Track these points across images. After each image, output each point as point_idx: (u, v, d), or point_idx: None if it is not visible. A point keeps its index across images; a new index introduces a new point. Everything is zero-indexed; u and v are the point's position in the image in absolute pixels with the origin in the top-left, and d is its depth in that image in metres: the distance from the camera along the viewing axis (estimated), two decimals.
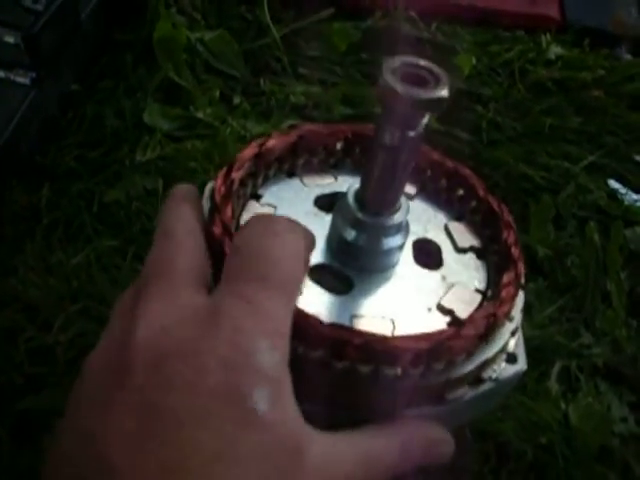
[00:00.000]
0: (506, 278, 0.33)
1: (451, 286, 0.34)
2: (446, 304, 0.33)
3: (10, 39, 0.56)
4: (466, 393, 0.31)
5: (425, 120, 0.29)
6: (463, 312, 0.32)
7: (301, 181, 0.37)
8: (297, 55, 0.68)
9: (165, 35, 0.62)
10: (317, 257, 0.33)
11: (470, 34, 0.73)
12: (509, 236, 0.34)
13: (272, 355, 0.26)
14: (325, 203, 0.36)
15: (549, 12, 0.76)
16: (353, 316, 0.31)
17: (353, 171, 0.38)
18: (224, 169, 0.34)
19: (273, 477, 0.24)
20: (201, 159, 0.57)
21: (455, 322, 0.32)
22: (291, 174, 0.37)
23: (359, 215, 0.32)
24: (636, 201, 0.62)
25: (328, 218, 0.34)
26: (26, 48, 0.54)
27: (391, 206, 0.32)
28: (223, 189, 0.33)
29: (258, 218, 0.30)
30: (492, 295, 0.33)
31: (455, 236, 0.36)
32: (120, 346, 0.26)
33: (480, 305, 0.33)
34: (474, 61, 0.68)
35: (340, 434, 0.28)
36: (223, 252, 0.30)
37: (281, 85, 0.65)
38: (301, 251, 0.29)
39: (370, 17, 0.71)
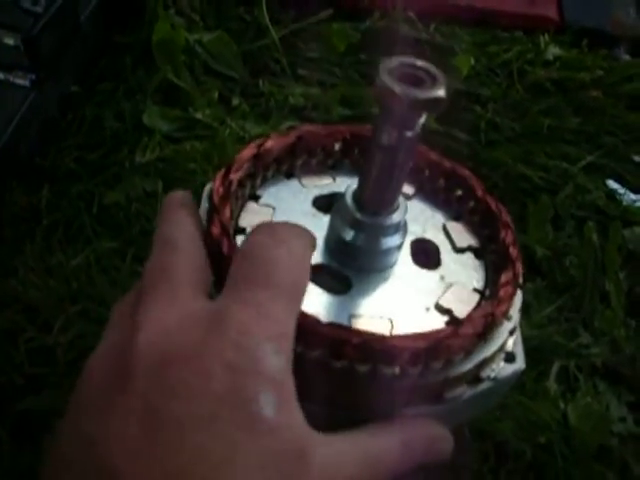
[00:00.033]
0: (504, 277, 0.33)
1: (449, 286, 0.34)
2: (444, 304, 0.33)
3: (10, 41, 0.56)
4: (464, 392, 0.31)
5: (422, 120, 0.29)
6: (461, 312, 0.32)
7: (299, 182, 0.37)
8: (296, 56, 0.68)
9: (164, 37, 0.63)
10: (316, 257, 0.33)
11: (468, 35, 0.73)
12: (507, 236, 0.34)
13: (277, 359, 0.25)
14: (323, 204, 0.36)
15: (547, 13, 0.76)
16: (351, 316, 0.31)
17: (351, 172, 0.38)
18: (222, 170, 0.34)
19: None
20: (200, 160, 0.57)
21: (453, 321, 0.32)
22: (289, 175, 0.37)
23: (357, 215, 0.32)
24: (634, 201, 0.62)
25: (326, 219, 0.34)
26: (26, 50, 0.54)
27: (389, 206, 0.32)
28: (221, 190, 0.33)
29: (264, 226, 0.30)
30: (490, 294, 0.33)
31: (453, 236, 0.36)
32: (121, 351, 0.26)
33: (478, 304, 0.33)
34: (472, 62, 0.69)
35: (341, 435, 0.28)
36: (222, 253, 0.30)
37: (280, 86, 0.65)
38: (306, 257, 0.29)
39: (369, 18, 0.71)
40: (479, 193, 0.37)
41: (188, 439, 0.24)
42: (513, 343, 0.34)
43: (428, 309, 0.33)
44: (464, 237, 0.36)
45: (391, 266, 0.34)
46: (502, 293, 0.32)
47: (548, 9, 0.77)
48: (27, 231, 0.53)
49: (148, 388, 0.25)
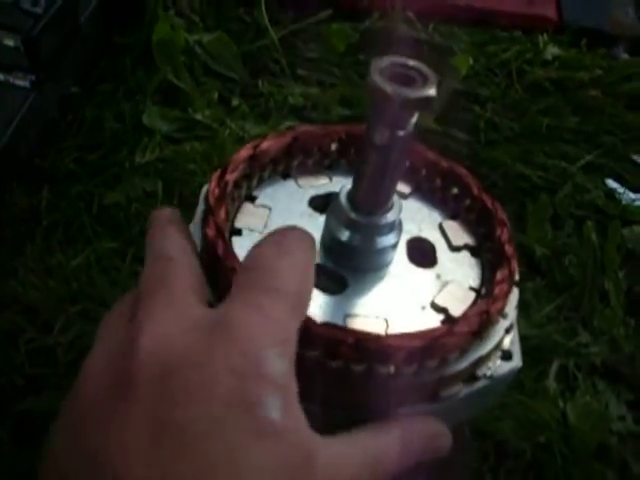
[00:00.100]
0: (499, 275, 0.33)
1: (445, 284, 0.34)
2: (440, 302, 0.33)
3: (9, 42, 0.56)
4: (461, 390, 0.31)
5: (414, 119, 0.29)
6: (457, 310, 0.32)
7: (296, 182, 0.37)
8: (295, 56, 0.69)
9: (164, 38, 0.63)
10: None
11: (467, 35, 0.73)
12: (503, 233, 0.34)
13: (281, 363, 0.25)
14: (319, 204, 0.36)
15: (546, 12, 0.76)
16: (347, 315, 0.31)
17: (348, 172, 0.37)
18: (218, 171, 0.34)
19: None
20: (200, 161, 0.57)
21: (449, 320, 0.32)
22: (286, 175, 0.37)
23: (352, 215, 0.32)
24: (634, 200, 0.62)
25: (322, 219, 0.34)
26: (25, 51, 0.54)
27: (383, 205, 0.32)
28: (217, 191, 0.33)
29: (269, 237, 0.30)
30: (486, 293, 0.33)
31: (449, 234, 0.36)
32: (121, 358, 0.25)
33: (474, 303, 0.33)
34: (471, 61, 0.68)
35: (341, 436, 0.28)
36: (216, 255, 0.30)
37: (279, 86, 0.65)
38: (310, 267, 0.29)
39: (368, 18, 0.71)
40: (475, 191, 0.36)
41: (197, 447, 0.23)
42: (510, 341, 0.33)
43: (424, 308, 0.33)
44: (460, 235, 0.36)
45: (386, 265, 0.34)
46: (497, 291, 0.32)
47: (547, 9, 0.77)
48: (27, 232, 0.53)
49: (152, 395, 0.24)
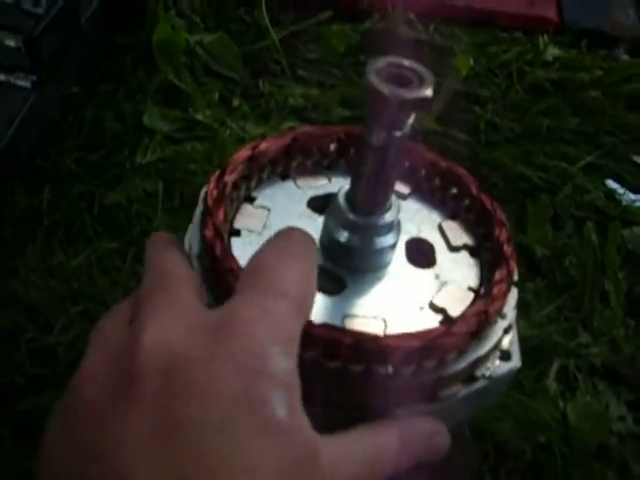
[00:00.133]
0: (498, 275, 0.32)
1: (444, 284, 0.34)
2: (438, 302, 0.33)
3: (11, 42, 0.57)
4: (459, 391, 0.31)
5: (411, 120, 0.29)
6: (455, 310, 0.32)
7: (295, 183, 0.37)
8: (296, 57, 0.69)
9: (164, 38, 0.63)
10: None
11: (468, 35, 0.73)
12: (501, 233, 0.34)
13: (286, 362, 0.25)
14: (318, 204, 0.36)
15: (547, 13, 0.76)
16: (345, 316, 0.31)
17: (347, 172, 0.37)
18: (217, 172, 0.34)
19: None
20: (201, 161, 0.58)
21: (447, 320, 0.32)
22: (285, 176, 0.37)
23: (350, 216, 0.32)
24: (634, 201, 0.62)
25: (321, 220, 0.34)
26: (27, 51, 0.54)
27: (381, 206, 0.32)
28: (215, 192, 0.33)
29: (273, 241, 0.30)
30: (485, 293, 0.33)
31: (449, 234, 0.36)
32: (123, 356, 0.25)
33: (473, 303, 0.33)
34: (472, 62, 0.69)
35: (341, 435, 0.28)
36: (215, 256, 0.30)
37: (280, 87, 0.66)
38: (313, 267, 0.29)
39: (368, 19, 0.72)
40: (474, 191, 0.36)
41: (207, 444, 0.23)
42: (509, 341, 0.33)
43: (422, 308, 0.33)
44: (459, 236, 0.36)
45: (385, 266, 0.34)
46: (496, 291, 0.32)
47: (547, 10, 0.77)
48: (28, 232, 0.53)
49: (158, 392, 0.24)
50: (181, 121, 0.61)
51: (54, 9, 0.54)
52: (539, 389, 0.49)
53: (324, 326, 0.29)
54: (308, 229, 0.31)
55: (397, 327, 0.31)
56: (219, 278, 0.30)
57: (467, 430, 0.46)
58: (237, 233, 0.34)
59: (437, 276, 0.34)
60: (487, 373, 0.32)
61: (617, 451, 0.47)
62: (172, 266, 0.30)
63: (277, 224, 0.34)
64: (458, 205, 0.37)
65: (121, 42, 0.66)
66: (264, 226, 0.35)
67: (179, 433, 0.23)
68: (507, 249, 0.34)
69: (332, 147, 0.38)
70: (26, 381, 0.45)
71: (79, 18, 0.59)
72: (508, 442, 0.46)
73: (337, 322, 0.31)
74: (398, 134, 0.29)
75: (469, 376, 0.31)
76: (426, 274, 0.34)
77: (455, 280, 0.34)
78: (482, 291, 0.34)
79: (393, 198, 0.33)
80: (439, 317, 0.32)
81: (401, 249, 0.35)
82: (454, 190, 0.37)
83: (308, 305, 0.28)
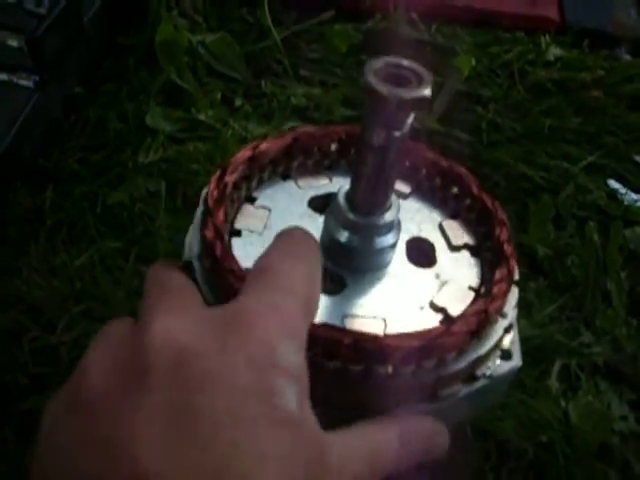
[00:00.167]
0: (498, 274, 0.33)
1: (444, 284, 0.34)
2: (439, 302, 0.33)
3: (13, 42, 0.57)
4: (460, 390, 0.31)
5: (410, 120, 0.29)
6: (455, 310, 0.32)
7: (296, 183, 0.37)
8: (298, 57, 0.69)
9: (167, 38, 0.63)
10: None
11: (470, 35, 0.73)
12: (502, 233, 0.34)
13: (297, 356, 0.25)
14: (319, 204, 0.36)
15: (548, 13, 0.76)
16: (345, 316, 0.31)
17: (347, 172, 0.37)
18: (217, 173, 0.34)
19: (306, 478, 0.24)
20: (203, 161, 0.58)
21: (447, 320, 0.32)
22: (286, 176, 0.38)
23: (350, 216, 0.32)
24: (636, 201, 0.62)
25: (322, 219, 0.35)
26: (29, 51, 0.54)
27: (381, 206, 0.32)
28: (216, 193, 0.33)
29: (277, 241, 0.30)
30: (485, 292, 0.33)
31: (449, 234, 0.36)
32: (132, 349, 0.25)
33: (473, 302, 0.33)
34: (474, 62, 0.69)
35: (342, 432, 0.28)
36: (215, 256, 0.30)
37: (282, 87, 0.66)
38: (318, 267, 0.29)
39: (370, 19, 0.72)
40: (475, 191, 0.37)
41: (220, 433, 0.23)
42: (510, 341, 0.33)
43: (422, 308, 0.33)
44: (460, 235, 0.36)
45: (385, 265, 0.34)
46: (496, 290, 0.32)
47: (549, 10, 0.77)
48: (31, 231, 0.53)
49: (170, 383, 0.23)
50: (183, 121, 0.61)
51: (56, 9, 0.54)
52: (541, 388, 0.49)
53: (324, 326, 0.29)
54: (309, 229, 0.31)
55: (397, 327, 0.31)
56: (219, 279, 0.30)
57: (469, 429, 0.46)
58: (238, 233, 0.34)
59: (437, 275, 0.34)
60: (488, 372, 0.32)
61: (619, 451, 0.47)
62: (173, 278, 0.30)
63: (278, 224, 0.34)
64: (459, 204, 0.37)
65: (124, 42, 0.66)
66: (265, 226, 0.35)
67: (193, 422, 0.23)
68: (507, 248, 0.34)
69: (333, 147, 0.38)
70: (29, 380, 0.45)
71: (81, 18, 0.60)
72: (510, 441, 0.46)
73: (337, 322, 0.31)
74: (397, 134, 0.29)
75: (470, 375, 0.32)
76: (426, 274, 0.34)
77: (455, 279, 0.34)
78: (482, 290, 0.34)
79: (393, 198, 0.33)
80: (439, 317, 0.32)
81: (402, 249, 0.35)
82: (455, 189, 0.37)
83: (314, 304, 0.28)
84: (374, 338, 0.29)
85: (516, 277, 0.34)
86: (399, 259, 0.35)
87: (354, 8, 0.72)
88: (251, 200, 0.36)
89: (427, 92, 0.28)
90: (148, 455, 0.22)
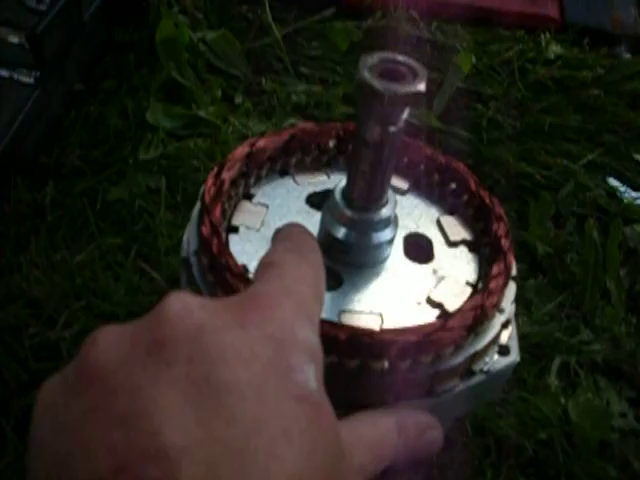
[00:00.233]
0: (495, 269, 0.32)
1: (441, 279, 0.34)
2: (436, 297, 0.33)
3: (14, 39, 0.57)
4: (457, 385, 0.31)
5: (405, 115, 0.29)
6: (453, 305, 0.32)
7: (294, 180, 0.37)
8: (298, 54, 0.69)
9: (167, 35, 0.63)
10: None
11: (470, 33, 0.73)
12: (499, 228, 0.34)
13: (314, 335, 0.25)
14: (317, 201, 0.36)
15: (549, 12, 0.76)
16: (342, 311, 0.31)
17: (345, 169, 0.37)
18: (215, 169, 0.34)
19: (324, 461, 0.23)
20: (203, 157, 0.58)
21: (444, 315, 0.32)
22: (284, 173, 0.37)
23: (346, 212, 0.32)
24: (635, 199, 0.62)
25: (319, 216, 0.34)
26: (30, 48, 0.54)
27: (377, 201, 0.32)
28: (213, 190, 0.33)
29: (281, 238, 0.30)
30: (482, 287, 0.33)
31: (447, 230, 0.36)
32: (149, 325, 0.24)
33: (470, 298, 0.33)
34: (474, 60, 0.69)
35: (346, 421, 0.28)
36: (212, 252, 0.30)
37: (283, 84, 0.66)
38: (320, 262, 0.29)
39: (371, 17, 0.72)
40: (472, 186, 0.36)
41: (242, 407, 0.22)
42: (508, 336, 0.33)
43: (419, 303, 0.33)
44: (458, 231, 0.36)
45: (383, 261, 0.34)
46: (493, 285, 0.32)
47: (549, 8, 0.77)
48: (31, 227, 0.53)
49: (190, 356, 0.22)
50: (184, 118, 0.61)
51: (57, 6, 0.54)
52: (540, 386, 0.49)
53: (320, 321, 0.29)
54: (306, 225, 0.31)
55: (394, 322, 0.31)
56: (217, 275, 0.30)
57: (468, 426, 0.46)
58: (235, 230, 0.34)
59: (435, 271, 0.34)
60: (485, 368, 0.32)
61: (618, 447, 0.47)
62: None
63: (275, 221, 0.35)
64: (457, 200, 0.37)
65: (124, 39, 0.66)
66: (262, 223, 0.35)
67: (215, 396, 0.22)
68: (505, 243, 0.33)
69: (331, 144, 0.38)
70: (29, 376, 0.45)
71: (82, 15, 0.60)
72: (509, 438, 0.47)
73: (334, 317, 0.31)
74: (392, 129, 0.29)
75: (467, 371, 0.31)
76: (424, 269, 0.34)
77: (453, 275, 0.34)
78: (480, 286, 0.34)
79: (390, 193, 0.33)
80: (436, 312, 0.32)
81: (399, 244, 0.35)
82: (453, 185, 0.37)
83: (322, 292, 0.28)
84: (370, 333, 0.29)
85: (514, 272, 0.34)
86: (396, 255, 0.35)
87: (355, 6, 0.72)
88: (249, 197, 0.36)
89: (422, 87, 0.27)
90: (169, 429, 0.21)
